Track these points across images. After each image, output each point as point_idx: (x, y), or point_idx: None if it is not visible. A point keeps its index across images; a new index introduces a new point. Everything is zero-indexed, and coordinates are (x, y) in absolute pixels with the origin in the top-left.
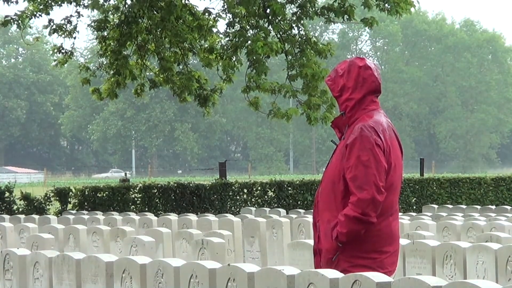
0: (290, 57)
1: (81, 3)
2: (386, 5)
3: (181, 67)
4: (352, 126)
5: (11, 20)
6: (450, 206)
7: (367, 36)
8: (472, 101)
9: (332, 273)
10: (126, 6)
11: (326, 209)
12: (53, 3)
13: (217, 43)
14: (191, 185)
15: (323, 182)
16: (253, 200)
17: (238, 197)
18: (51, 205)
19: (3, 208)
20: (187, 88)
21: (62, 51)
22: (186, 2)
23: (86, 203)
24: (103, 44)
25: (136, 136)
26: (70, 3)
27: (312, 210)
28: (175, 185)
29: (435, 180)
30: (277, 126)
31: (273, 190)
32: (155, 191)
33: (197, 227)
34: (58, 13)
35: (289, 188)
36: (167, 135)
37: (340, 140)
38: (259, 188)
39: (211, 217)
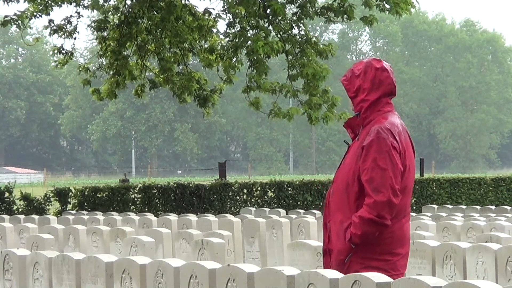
0: (290, 57)
1: (81, 4)
2: (386, 5)
3: (181, 67)
4: (366, 127)
5: (11, 21)
6: (450, 207)
7: (367, 36)
8: (472, 101)
9: (332, 273)
10: (126, 6)
11: (339, 209)
12: (53, 4)
13: (217, 43)
14: (191, 185)
15: (335, 182)
16: (253, 200)
17: (238, 198)
18: (51, 205)
19: (3, 208)
20: (187, 88)
21: (63, 51)
22: (186, 2)
23: (86, 204)
24: (103, 44)
25: (136, 136)
26: (70, 4)
27: (312, 210)
28: (175, 185)
29: (435, 180)
30: (277, 126)
31: (273, 190)
32: (155, 191)
33: (197, 228)
34: (58, 14)
35: (289, 189)
36: (167, 135)
37: (353, 141)
38: (259, 188)
39: (211, 217)
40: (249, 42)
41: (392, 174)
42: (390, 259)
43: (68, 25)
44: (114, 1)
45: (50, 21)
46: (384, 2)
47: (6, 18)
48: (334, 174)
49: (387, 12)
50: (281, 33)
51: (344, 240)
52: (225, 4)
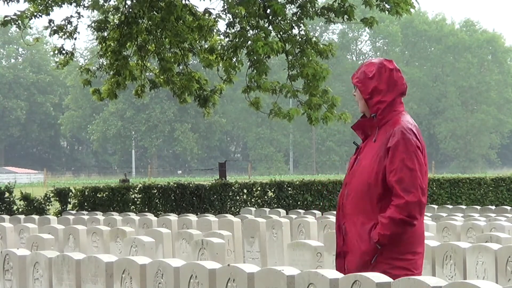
0: (290, 57)
1: (81, 4)
2: (386, 5)
3: (181, 67)
4: (383, 128)
5: (11, 21)
6: (450, 207)
7: (367, 36)
8: (472, 101)
9: (332, 273)
10: (126, 6)
11: (359, 212)
12: (53, 4)
13: (217, 44)
14: (191, 185)
15: (349, 184)
16: (253, 200)
17: (238, 198)
18: (51, 205)
19: (3, 208)
20: (187, 88)
21: (63, 52)
22: (186, 2)
23: (86, 204)
24: (103, 44)
25: (136, 136)
26: (70, 4)
27: (312, 210)
28: (175, 185)
29: (435, 180)
30: (277, 127)
31: (273, 190)
32: (155, 191)
33: (197, 228)
34: (58, 14)
35: (289, 189)
36: (167, 136)
37: (363, 142)
38: (259, 188)
39: (211, 217)
40: (249, 42)
41: (419, 173)
42: (412, 258)
43: (68, 26)
44: (114, 1)
45: (50, 21)
46: (384, 2)
47: (6, 18)
48: (345, 176)
49: (387, 12)
50: (281, 33)
51: (369, 241)
52: (225, 4)
